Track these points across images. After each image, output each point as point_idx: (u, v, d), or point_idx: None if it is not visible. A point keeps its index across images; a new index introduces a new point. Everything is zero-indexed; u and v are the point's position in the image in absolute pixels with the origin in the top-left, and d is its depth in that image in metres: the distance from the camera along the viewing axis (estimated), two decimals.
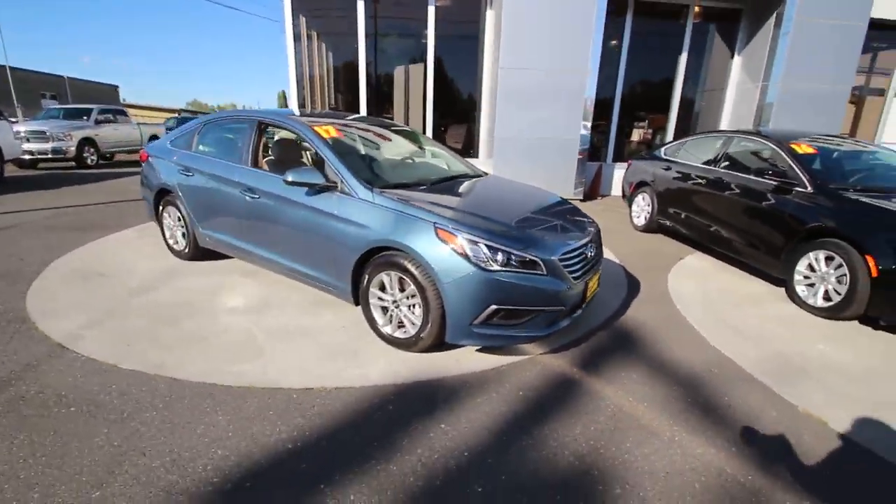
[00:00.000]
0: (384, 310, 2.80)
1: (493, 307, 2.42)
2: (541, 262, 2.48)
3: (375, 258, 2.72)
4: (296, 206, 3.06)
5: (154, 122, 21.34)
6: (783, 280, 3.91)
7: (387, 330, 2.79)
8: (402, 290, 2.67)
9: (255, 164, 3.49)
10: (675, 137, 9.36)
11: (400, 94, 9.02)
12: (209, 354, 2.64)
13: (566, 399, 2.36)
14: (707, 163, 5.02)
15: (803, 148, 4.11)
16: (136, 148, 13.15)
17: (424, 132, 8.76)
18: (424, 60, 8.36)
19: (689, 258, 4.92)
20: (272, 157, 3.73)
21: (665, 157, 5.80)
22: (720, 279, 4.31)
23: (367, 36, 8.08)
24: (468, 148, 9.08)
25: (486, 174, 4.01)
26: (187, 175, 3.84)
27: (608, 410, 2.27)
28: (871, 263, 3.13)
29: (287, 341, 2.83)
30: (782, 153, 4.15)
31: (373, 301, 2.81)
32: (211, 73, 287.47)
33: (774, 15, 7.86)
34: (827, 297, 3.48)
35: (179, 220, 4.09)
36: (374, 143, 3.70)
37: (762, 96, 8.16)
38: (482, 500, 1.69)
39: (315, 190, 2.96)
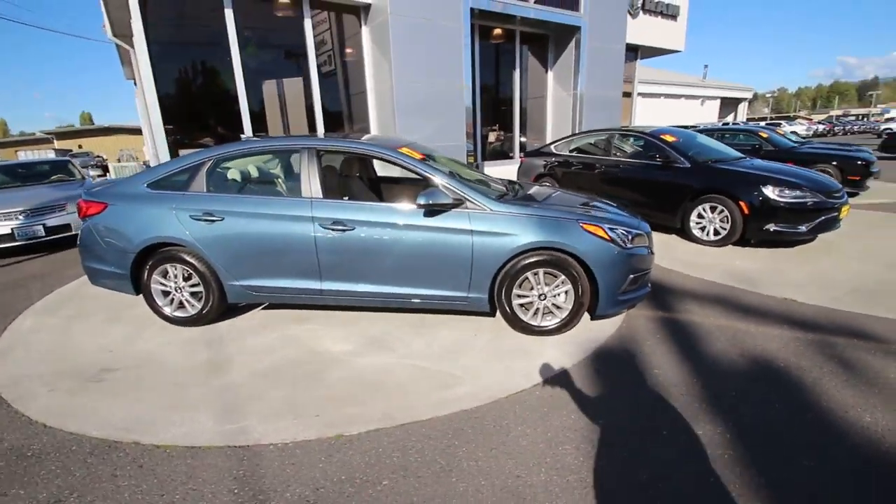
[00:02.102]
0: (525, 307, 3.14)
1: (631, 276, 3.11)
2: (645, 235, 3.28)
3: (515, 261, 3.03)
4: (413, 230, 3.06)
5: None
6: (678, 228, 5.69)
7: (533, 322, 3.15)
8: (547, 283, 3.08)
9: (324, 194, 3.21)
10: (520, 136, 11.46)
11: (274, 110, 8.32)
12: (411, 395, 2.56)
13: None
14: (603, 153, 6.65)
15: (669, 138, 6.01)
16: None
17: None
18: (307, 74, 7.96)
19: None
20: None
21: (558, 152, 7.30)
22: None
23: (240, 49, 7.21)
24: None
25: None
26: (209, 221, 3.17)
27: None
28: (743, 206, 5.02)
29: (456, 363, 2.90)
30: (657, 142, 5.97)
31: (515, 302, 3.12)
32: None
33: (574, 40, 10.43)
34: (716, 233, 5.32)
35: (189, 278, 3.32)
36: (434, 158, 3.77)
37: (574, 102, 10.74)
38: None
39: (432, 211, 3.03)
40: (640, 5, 12.19)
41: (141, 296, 3.46)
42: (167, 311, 3.43)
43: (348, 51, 8.61)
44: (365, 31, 8.21)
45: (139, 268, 3.36)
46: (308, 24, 7.78)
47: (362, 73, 8.44)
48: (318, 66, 8.11)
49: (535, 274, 3.06)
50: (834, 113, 66.40)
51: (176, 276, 3.36)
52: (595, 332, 3.20)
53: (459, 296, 3.16)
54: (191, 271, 3.31)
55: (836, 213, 4.94)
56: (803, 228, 4.89)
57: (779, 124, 30.12)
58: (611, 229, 3.04)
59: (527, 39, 10.62)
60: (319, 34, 8.08)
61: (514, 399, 2.45)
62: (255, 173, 3.54)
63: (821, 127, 38.16)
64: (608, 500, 1.76)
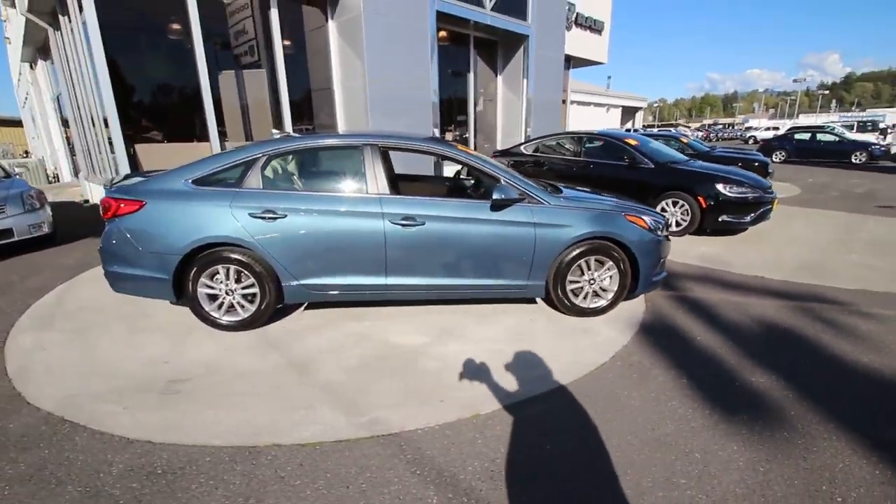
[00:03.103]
0: (575, 292, 3.49)
1: (662, 259, 3.60)
2: (665, 224, 3.80)
3: (570, 250, 3.36)
4: (482, 224, 3.25)
5: None
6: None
7: (583, 304, 3.51)
8: (596, 269, 3.45)
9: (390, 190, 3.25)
10: (474, 137, 11.90)
11: (233, 102, 7.79)
12: (510, 376, 2.79)
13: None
14: (572, 154, 7.28)
15: (632, 142, 6.79)
16: None
17: None
18: (273, 65, 7.56)
19: None
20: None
21: (527, 153, 7.82)
22: None
23: (203, 38, 6.64)
24: None
25: None
26: (271, 219, 3.06)
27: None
28: (701, 200, 5.89)
29: (532, 346, 3.17)
30: (624, 145, 6.72)
31: (568, 287, 3.45)
32: None
33: (522, 48, 11.10)
34: (677, 224, 6.16)
35: (241, 279, 3.17)
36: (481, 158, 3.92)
37: (525, 105, 11.44)
38: None
39: (498, 205, 3.25)
40: (573, 19, 13.32)
41: (156, 302, 3.21)
42: (216, 315, 3.22)
43: (312, 44, 8.35)
44: (332, 26, 8.03)
45: (181, 271, 3.12)
46: (275, 14, 7.42)
47: (328, 69, 8.24)
48: (284, 58, 7.76)
49: (587, 261, 3.42)
50: (706, 121, 77.23)
51: (228, 279, 3.17)
52: (629, 311, 3.65)
53: (520, 284, 3.41)
54: (246, 272, 3.15)
55: (770, 206, 6.02)
56: (748, 219, 5.88)
57: (670, 130, 34.39)
58: (650, 219, 3.51)
59: (479, 45, 11.08)
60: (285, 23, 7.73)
61: (603, 370, 2.78)
62: (310, 169, 3.44)
63: (699, 133, 44.22)
64: (731, 429, 2.15)
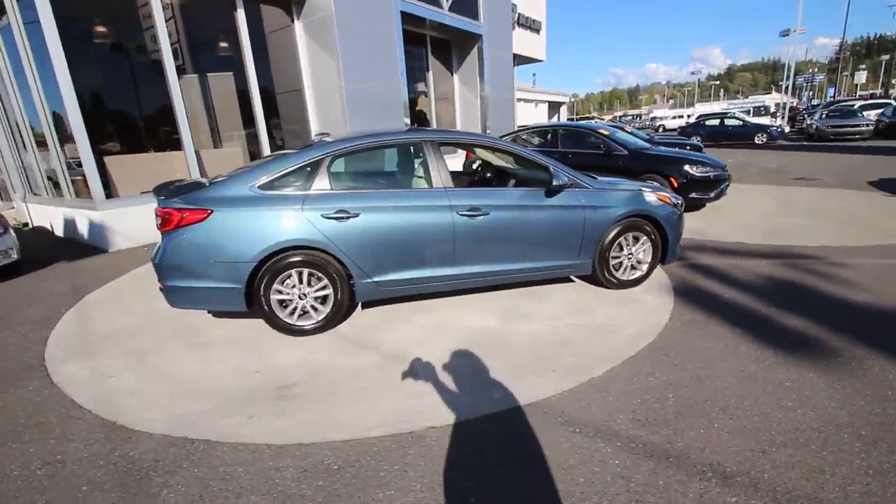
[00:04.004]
0: (617, 267, 3.85)
1: (681, 232, 4.07)
2: (682, 201, 4.27)
3: (613, 228, 3.70)
4: (540, 210, 3.49)
5: None
6: None
7: (624, 277, 3.87)
8: (633, 245, 3.84)
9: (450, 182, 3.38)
10: None
11: (198, 107, 7.31)
12: (595, 343, 3.08)
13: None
14: (551, 146, 7.74)
15: (604, 132, 7.39)
16: None
17: (259, 149, 7.62)
18: (244, 69, 7.17)
19: None
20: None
21: None
22: None
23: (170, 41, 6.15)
24: None
25: None
26: (343, 218, 3.07)
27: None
28: (673, 181, 6.60)
29: (595, 317, 3.49)
30: (598, 135, 7.30)
31: (612, 262, 3.80)
32: None
33: (476, 47, 11.47)
34: None
35: (314, 282, 3.14)
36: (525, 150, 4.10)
37: (481, 102, 11.84)
38: None
39: (551, 192, 3.51)
40: (515, 19, 13.95)
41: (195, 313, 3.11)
42: (291, 321, 3.16)
43: (275, 46, 8.05)
44: (298, 27, 7.81)
45: (252, 279, 3.02)
46: (241, 14, 7.07)
47: (296, 70, 8.00)
48: (254, 61, 7.42)
49: (625, 237, 3.79)
50: (617, 113, 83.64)
51: (301, 282, 3.12)
52: (657, 281, 4.08)
53: (571, 263, 3.70)
54: (319, 274, 3.12)
55: (728, 183, 6.88)
56: (712, 195, 6.67)
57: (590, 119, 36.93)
58: (673, 196, 3.96)
59: (434, 44, 11.27)
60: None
61: (670, 330, 3.14)
62: (373, 167, 3.44)
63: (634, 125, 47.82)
64: (798, 362, 2.59)
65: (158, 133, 6.85)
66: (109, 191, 5.81)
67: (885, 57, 51.17)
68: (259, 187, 3.04)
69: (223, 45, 7.39)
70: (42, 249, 6.18)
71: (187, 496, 1.88)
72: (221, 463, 2.06)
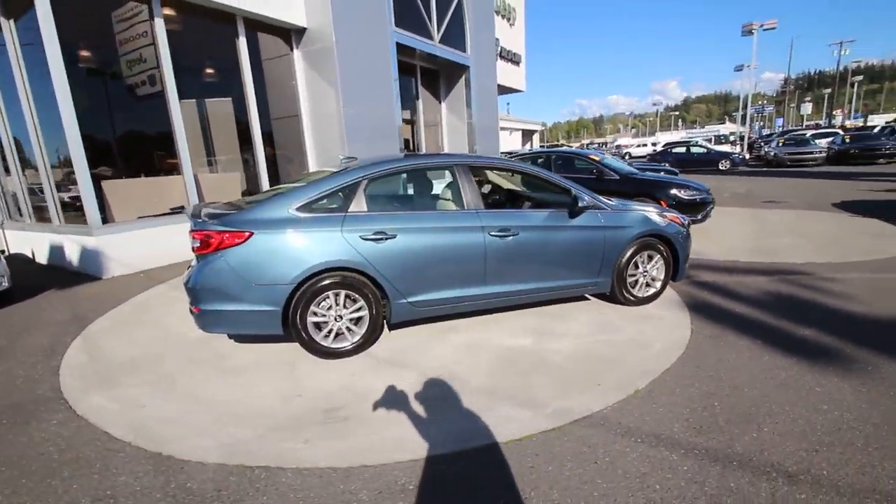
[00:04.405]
0: (633, 284, 4.01)
1: (689, 252, 4.29)
2: (689, 221, 4.50)
3: (629, 247, 3.87)
4: (563, 230, 3.63)
5: None
6: None
7: (640, 294, 4.03)
8: (647, 263, 4.01)
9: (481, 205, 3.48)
10: None
11: (195, 133, 7.23)
12: (630, 358, 3.20)
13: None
14: (545, 167, 8.01)
15: (595, 157, 7.75)
16: None
17: (258, 173, 7.56)
18: (244, 95, 7.19)
19: None
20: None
21: None
22: None
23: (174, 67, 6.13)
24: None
25: None
26: (381, 240, 3.11)
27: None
28: (663, 203, 6.93)
29: (622, 335, 3.61)
30: (591, 161, 7.64)
31: (629, 280, 3.96)
32: None
33: (464, 77, 11.88)
34: None
35: (348, 304, 3.14)
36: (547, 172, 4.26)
37: (469, 130, 12.18)
38: None
39: (574, 213, 3.66)
40: (498, 52, 14.57)
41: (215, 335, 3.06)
42: (326, 344, 3.12)
43: (272, 73, 8.13)
44: (297, 55, 7.94)
45: (288, 301, 3.00)
46: (243, 42, 7.13)
47: (294, 97, 8.10)
48: (253, 86, 7.46)
49: (642, 256, 3.96)
50: (584, 141, 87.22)
51: (337, 304, 3.11)
52: (668, 298, 4.26)
53: (592, 281, 3.83)
54: (356, 295, 3.13)
55: (713, 206, 7.29)
56: (699, 217, 7.05)
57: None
58: (681, 217, 4.18)
59: (423, 74, 11.61)
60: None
61: (696, 343, 3.28)
62: (407, 190, 3.50)
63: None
64: (822, 368, 2.76)
65: (153, 158, 6.72)
66: (104, 215, 5.62)
67: (828, 91, 55.89)
68: (298, 209, 3.05)
69: (222, 70, 7.41)
70: (27, 277, 5.86)
71: None
72: (289, 489, 2.00)
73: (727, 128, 61.35)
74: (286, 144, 8.45)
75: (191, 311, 3.07)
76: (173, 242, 6.18)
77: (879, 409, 2.39)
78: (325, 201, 3.15)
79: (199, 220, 2.99)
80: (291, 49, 7.90)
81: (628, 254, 3.87)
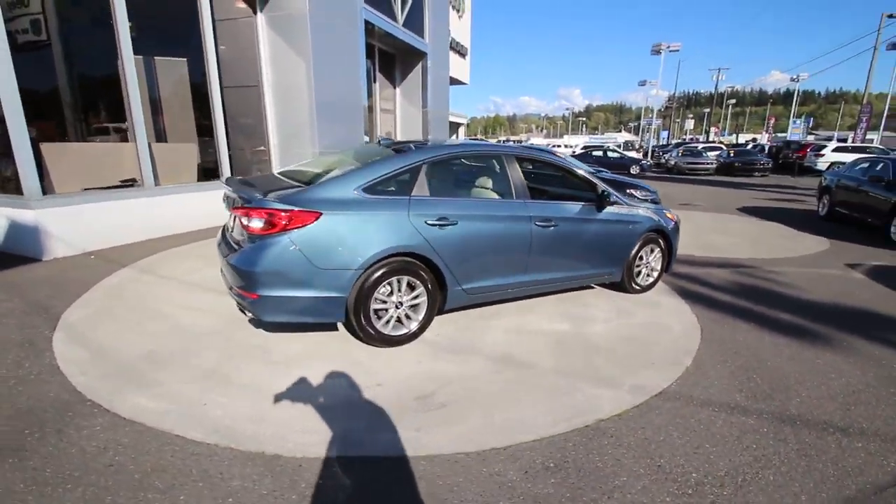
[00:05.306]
0: (638, 274, 4.42)
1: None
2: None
3: (640, 240, 4.26)
4: (593, 223, 3.89)
5: None
6: None
7: (643, 283, 4.45)
8: (649, 255, 4.45)
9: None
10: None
11: (142, 95, 6.25)
12: (662, 340, 3.55)
13: None
14: None
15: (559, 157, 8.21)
16: None
17: (216, 144, 6.77)
18: (203, 55, 6.34)
19: None
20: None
21: None
22: None
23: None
24: (257, 161, 7.76)
25: None
26: (444, 225, 3.08)
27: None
28: None
29: (637, 318, 3.98)
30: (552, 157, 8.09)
31: (635, 270, 4.35)
32: None
33: (420, 64, 11.74)
34: None
35: (409, 290, 3.07)
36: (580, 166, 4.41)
37: (424, 118, 12.10)
38: None
39: (601, 206, 3.93)
40: (449, 43, 14.58)
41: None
42: (386, 331, 3.01)
43: (227, 36, 7.32)
44: (261, 19, 7.24)
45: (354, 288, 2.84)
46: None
47: (254, 66, 7.39)
48: (216, 47, 6.66)
49: (648, 247, 4.38)
50: (501, 138, 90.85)
51: (399, 290, 3.01)
52: (660, 287, 4.76)
53: (609, 271, 4.16)
54: (416, 282, 3.06)
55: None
56: None
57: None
58: (674, 214, 4.68)
59: (381, 56, 11.26)
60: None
61: (706, 325, 3.72)
62: (459, 176, 3.43)
63: None
64: (816, 346, 3.35)
65: (96, 121, 5.70)
66: (43, 185, 4.67)
67: (707, 109, 64.81)
68: (363, 190, 2.89)
69: (176, 26, 6.49)
70: None
71: None
72: (434, 477, 1.96)
73: (622, 136, 68.00)
74: (241, 115, 7.68)
75: (239, 297, 2.76)
76: (124, 220, 5.36)
77: (874, 374, 2.98)
78: (388, 183, 3.01)
79: (260, 198, 2.69)
80: (255, 11, 7.17)
81: (637, 246, 4.25)
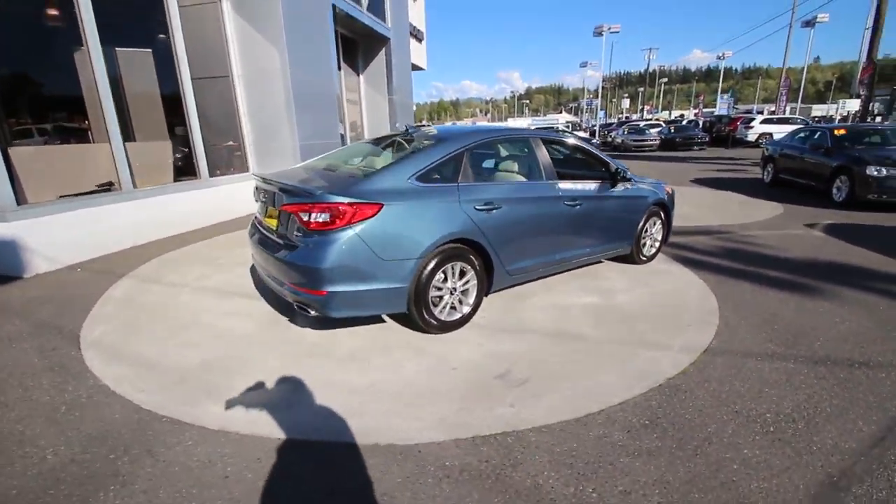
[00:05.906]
0: (644, 244, 4.71)
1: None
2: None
3: (645, 214, 4.53)
4: (610, 200, 4.11)
5: None
6: None
7: (648, 253, 4.75)
8: (652, 228, 4.75)
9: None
10: (347, 134, 11.58)
11: (102, 91, 5.72)
12: (689, 303, 3.84)
13: None
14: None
15: None
16: None
17: (190, 141, 6.32)
18: (170, 45, 5.85)
19: None
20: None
21: None
22: None
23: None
24: (229, 160, 7.31)
25: None
26: (490, 210, 3.16)
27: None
28: None
29: (658, 288, 4.27)
30: None
31: (641, 242, 4.64)
32: None
33: (384, 50, 11.50)
34: None
35: (460, 275, 3.13)
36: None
37: (390, 106, 11.91)
38: None
39: (615, 184, 4.15)
40: (409, 27, 14.32)
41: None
42: (442, 317, 3.06)
43: (190, 24, 6.83)
44: (226, 5, 6.82)
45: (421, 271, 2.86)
46: None
47: (222, 55, 6.98)
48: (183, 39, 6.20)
49: (652, 220, 4.67)
50: (448, 123, 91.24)
51: (453, 276, 3.06)
52: (662, 257, 5.10)
53: (622, 244, 4.41)
54: (468, 267, 3.12)
55: None
56: None
57: None
58: (671, 188, 5.02)
59: (344, 43, 10.91)
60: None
61: (714, 288, 4.06)
62: (494, 160, 3.46)
63: None
64: (817, 299, 3.77)
65: (59, 120, 5.15)
66: (16, 195, 4.19)
67: (641, 89, 68.29)
68: (417, 179, 2.89)
69: (140, 14, 5.95)
70: None
71: (563, 480, 1.88)
72: (550, 446, 2.07)
73: (563, 117, 70.10)
74: (209, 108, 7.22)
75: (301, 294, 2.70)
76: (104, 228, 4.95)
77: (868, 317, 3.41)
78: (437, 171, 3.03)
79: (319, 192, 2.62)
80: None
81: (643, 219, 4.53)
